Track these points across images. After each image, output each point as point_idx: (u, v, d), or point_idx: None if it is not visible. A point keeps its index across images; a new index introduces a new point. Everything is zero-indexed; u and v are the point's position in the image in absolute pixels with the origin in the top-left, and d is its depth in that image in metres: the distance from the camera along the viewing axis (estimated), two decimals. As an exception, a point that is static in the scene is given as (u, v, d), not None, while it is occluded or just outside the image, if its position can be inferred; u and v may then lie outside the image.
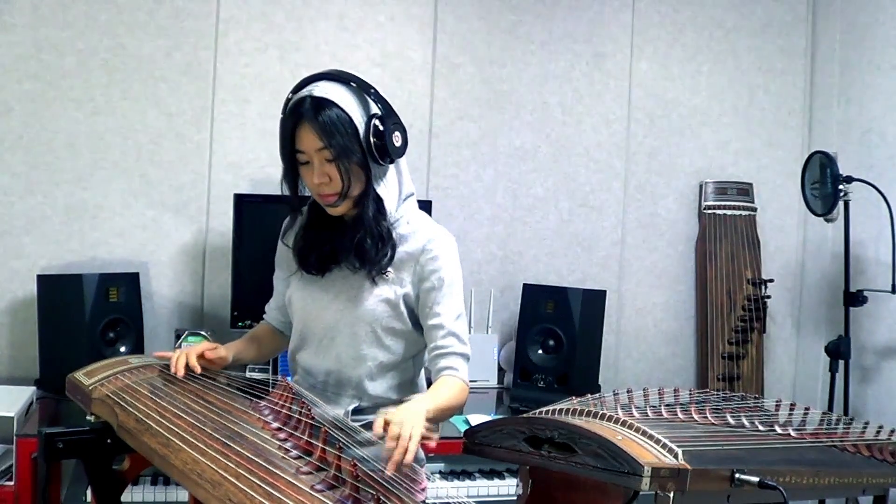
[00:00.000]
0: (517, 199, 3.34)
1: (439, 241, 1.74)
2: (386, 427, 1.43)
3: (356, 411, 1.74)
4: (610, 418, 1.51)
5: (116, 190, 2.91)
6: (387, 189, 1.73)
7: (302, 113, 1.63)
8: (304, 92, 1.65)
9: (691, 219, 3.53)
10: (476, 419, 2.55)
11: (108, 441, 1.58)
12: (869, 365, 3.22)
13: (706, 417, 1.69)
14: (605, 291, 3.17)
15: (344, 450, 1.31)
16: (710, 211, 3.48)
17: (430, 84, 3.23)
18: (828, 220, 3.11)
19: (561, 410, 1.62)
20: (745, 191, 3.52)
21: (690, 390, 1.87)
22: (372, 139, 1.65)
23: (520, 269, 3.34)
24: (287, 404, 1.55)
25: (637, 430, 1.43)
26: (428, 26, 3.22)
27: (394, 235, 1.72)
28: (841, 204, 3.02)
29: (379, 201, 1.71)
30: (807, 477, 1.57)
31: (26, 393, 2.53)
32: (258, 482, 1.20)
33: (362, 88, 1.68)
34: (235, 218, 2.84)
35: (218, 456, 1.28)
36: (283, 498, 1.16)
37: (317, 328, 1.77)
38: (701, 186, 3.51)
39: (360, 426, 1.57)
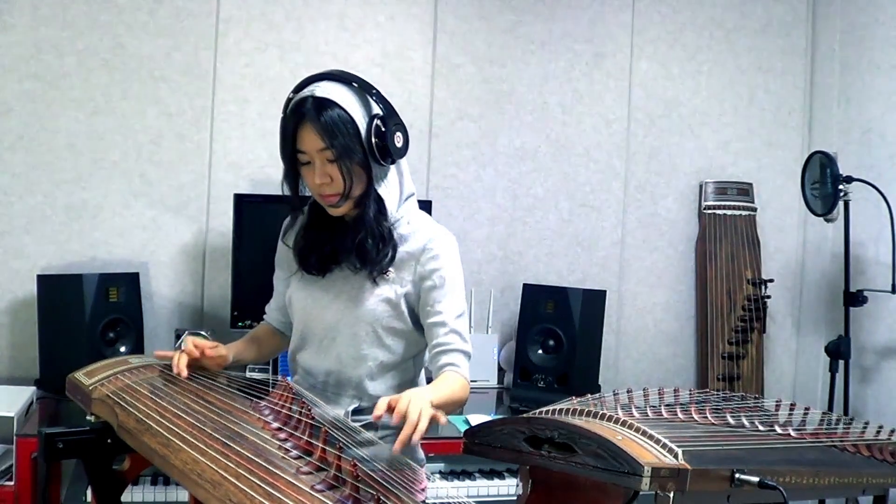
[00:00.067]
0: (517, 199, 3.34)
1: (439, 241, 1.74)
2: (391, 408, 1.44)
3: (356, 411, 1.75)
4: (610, 418, 1.51)
5: (116, 190, 2.91)
6: (388, 189, 1.73)
7: (304, 113, 1.63)
8: (306, 92, 1.65)
9: (691, 219, 3.53)
10: (476, 419, 2.55)
11: (108, 441, 1.58)
12: (869, 365, 3.22)
13: (706, 417, 1.69)
14: (605, 291, 3.17)
15: (344, 450, 1.31)
16: (710, 211, 3.48)
17: (430, 84, 3.23)
18: (828, 220, 3.11)
19: (561, 410, 1.62)
20: (745, 191, 3.52)
21: (690, 390, 1.87)
22: (374, 140, 1.65)
23: (520, 269, 3.34)
24: (287, 404, 1.55)
25: (637, 430, 1.43)
26: (428, 26, 3.22)
27: (394, 235, 1.73)
28: (841, 204, 3.02)
29: (380, 202, 1.71)
30: (807, 477, 1.57)
31: (26, 393, 2.53)
32: (258, 482, 1.20)
33: (364, 89, 1.68)
34: (235, 218, 2.84)
35: (218, 456, 1.28)
36: (283, 498, 1.16)
37: (317, 328, 1.77)
38: (701, 186, 3.51)
39: (361, 426, 1.57)
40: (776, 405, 1.85)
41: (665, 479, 1.31)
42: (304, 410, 1.48)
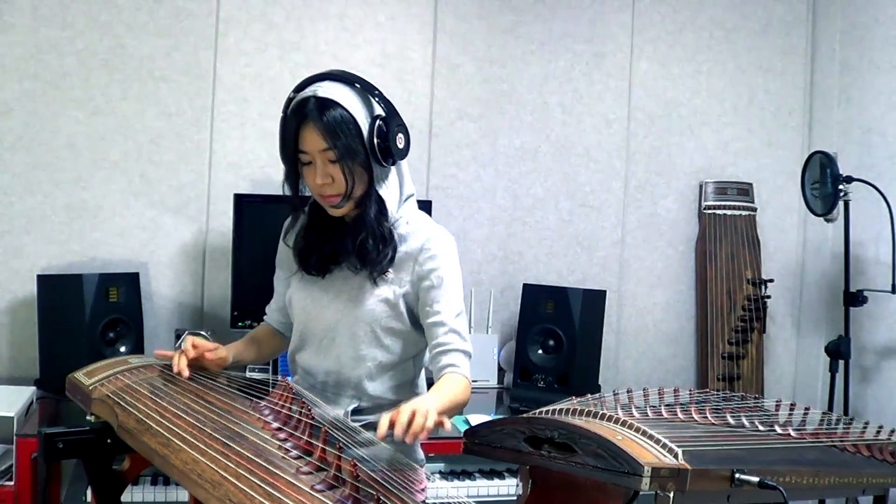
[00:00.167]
0: (517, 199, 3.34)
1: (437, 240, 1.74)
2: (392, 424, 1.42)
3: (355, 412, 1.74)
4: (610, 418, 1.51)
5: (116, 190, 2.91)
6: (388, 190, 1.73)
7: (306, 113, 1.63)
8: (308, 92, 1.65)
9: (691, 219, 3.53)
10: (476, 419, 2.55)
11: (108, 441, 1.58)
12: (869, 365, 3.22)
13: (706, 417, 1.69)
14: (605, 291, 3.17)
15: (344, 450, 1.31)
16: (710, 211, 3.48)
17: (430, 84, 3.23)
18: (828, 220, 3.11)
19: (561, 410, 1.62)
20: (745, 191, 3.52)
21: (690, 390, 1.87)
22: (376, 140, 1.65)
23: (520, 269, 3.34)
24: (287, 404, 1.55)
25: (637, 430, 1.43)
26: (428, 26, 3.22)
27: (394, 236, 1.73)
28: (841, 204, 3.02)
29: (381, 202, 1.71)
30: (807, 477, 1.57)
31: (26, 393, 2.53)
32: (258, 482, 1.20)
33: (366, 90, 1.68)
34: (235, 218, 2.84)
35: (218, 456, 1.28)
36: (283, 498, 1.16)
37: (317, 329, 1.77)
38: (701, 186, 3.51)
39: (360, 426, 1.57)
40: (776, 405, 1.85)
41: (665, 479, 1.31)
42: (304, 410, 1.49)
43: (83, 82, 2.86)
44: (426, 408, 1.44)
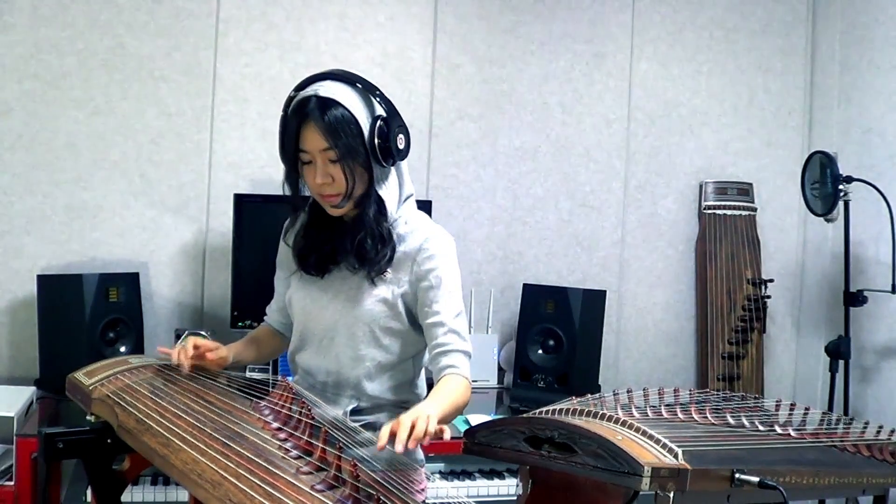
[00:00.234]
0: (517, 199, 3.34)
1: (436, 240, 1.74)
2: (393, 434, 1.41)
3: (354, 412, 1.74)
4: (610, 418, 1.51)
5: (116, 190, 2.91)
6: (388, 190, 1.73)
7: (307, 112, 1.62)
8: (309, 91, 1.65)
9: (691, 219, 3.53)
10: (476, 419, 2.55)
11: (108, 441, 1.58)
12: (869, 365, 3.22)
13: (706, 417, 1.69)
14: (605, 291, 3.17)
15: (344, 450, 1.31)
16: (710, 211, 3.48)
17: (430, 84, 3.23)
18: (828, 220, 3.11)
19: (561, 410, 1.62)
20: (745, 191, 3.52)
21: (690, 390, 1.87)
22: (376, 141, 1.65)
23: (520, 269, 3.34)
24: (287, 404, 1.55)
25: (637, 430, 1.43)
26: (428, 26, 3.22)
27: (393, 236, 1.72)
28: (841, 204, 3.02)
29: (380, 202, 1.71)
30: (807, 477, 1.57)
31: (26, 393, 2.53)
32: (258, 482, 1.20)
33: (368, 90, 1.68)
34: (235, 218, 2.84)
35: (218, 456, 1.28)
36: (283, 498, 1.16)
37: (316, 329, 1.77)
38: (701, 186, 3.51)
39: (359, 426, 1.57)
40: (776, 405, 1.85)
41: (665, 479, 1.31)
42: (304, 410, 1.49)
43: (83, 82, 2.86)
44: (427, 414, 1.44)
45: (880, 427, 1.91)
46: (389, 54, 3.17)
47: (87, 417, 1.62)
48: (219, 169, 3.01)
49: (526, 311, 3.15)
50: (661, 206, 3.49)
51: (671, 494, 1.31)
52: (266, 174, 3.01)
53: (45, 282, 2.67)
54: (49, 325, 2.66)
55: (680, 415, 1.68)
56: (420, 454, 1.84)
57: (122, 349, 2.71)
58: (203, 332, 2.75)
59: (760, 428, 1.71)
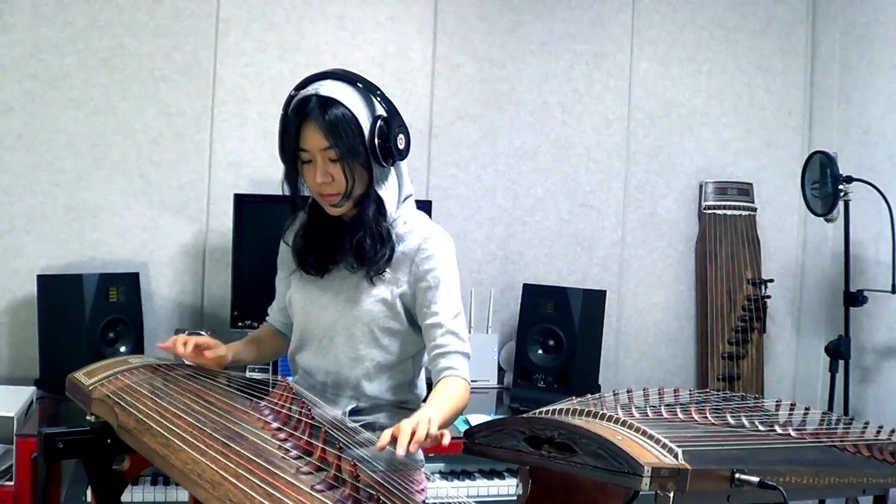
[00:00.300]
0: (517, 199, 3.34)
1: (435, 241, 1.73)
2: (394, 439, 1.41)
3: (354, 412, 1.74)
4: (610, 418, 1.51)
5: (116, 190, 2.91)
6: (387, 190, 1.73)
7: (308, 111, 1.62)
8: (310, 90, 1.65)
9: (691, 219, 3.53)
10: (476, 419, 2.55)
11: (108, 441, 1.58)
12: (869, 365, 3.22)
13: (706, 417, 1.69)
14: (605, 291, 3.17)
15: (344, 450, 1.31)
16: (710, 211, 3.48)
17: (430, 84, 3.23)
18: (828, 220, 3.11)
19: (561, 410, 1.62)
20: (745, 191, 3.52)
21: (690, 390, 1.87)
22: (377, 140, 1.65)
23: (520, 269, 3.34)
24: (287, 404, 1.55)
25: (637, 430, 1.43)
26: (428, 26, 3.22)
27: (392, 236, 1.72)
28: (841, 204, 3.02)
29: (379, 202, 1.71)
30: (807, 477, 1.57)
31: (26, 393, 2.53)
32: (258, 482, 1.20)
33: (368, 89, 1.68)
34: (235, 218, 2.84)
35: (218, 456, 1.28)
36: (283, 498, 1.16)
37: (316, 329, 1.77)
38: (701, 186, 3.51)
39: (359, 426, 1.57)
40: (776, 405, 1.85)
41: (665, 479, 1.31)
42: (303, 410, 1.49)
43: (83, 82, 2.86)
44: (428, 418, 1.44)
45: (880, 427, 1.91)
46: (389, 54, 3.17)
47: (87, 417, 1.62)
48: (219, 169, 3.01)
49: (526, 311, 3.14)
50: (661, 206, 3.49)
51: (671, 494, 1.31)
52: (266, 174, 3.01)
53: (45, 282, 2.67)
54: (49, 325, 2.66)
55: (680, 415, 1.68)
56: (420, 454, 1.84)
57: (122, 349, 2.71)
58: (203, 332, 2.75)
59: (760, 428, 1.71)
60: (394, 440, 1.40)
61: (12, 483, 2.27)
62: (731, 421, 1.70)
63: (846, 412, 3.09)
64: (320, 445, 1.33)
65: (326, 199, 1.69)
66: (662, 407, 1.71)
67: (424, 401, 1.80)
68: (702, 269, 3.49)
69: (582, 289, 3.13)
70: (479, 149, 3.29)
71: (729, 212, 3.49)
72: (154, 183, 2.94)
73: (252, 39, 3.03)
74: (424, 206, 2.43)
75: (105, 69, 2.88)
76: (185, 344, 1.74)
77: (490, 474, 2.69)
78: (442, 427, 1.48)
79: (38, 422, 2.46)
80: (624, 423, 1.47)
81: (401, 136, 1.69)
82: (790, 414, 1.84)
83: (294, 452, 1.34)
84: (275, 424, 1.47)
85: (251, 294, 2.79)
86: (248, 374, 2.10)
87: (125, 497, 1.76)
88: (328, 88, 1.64)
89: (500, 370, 3.26)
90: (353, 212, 1.72)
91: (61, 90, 2.85)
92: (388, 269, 1.72)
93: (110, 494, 1.66)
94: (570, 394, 1.81)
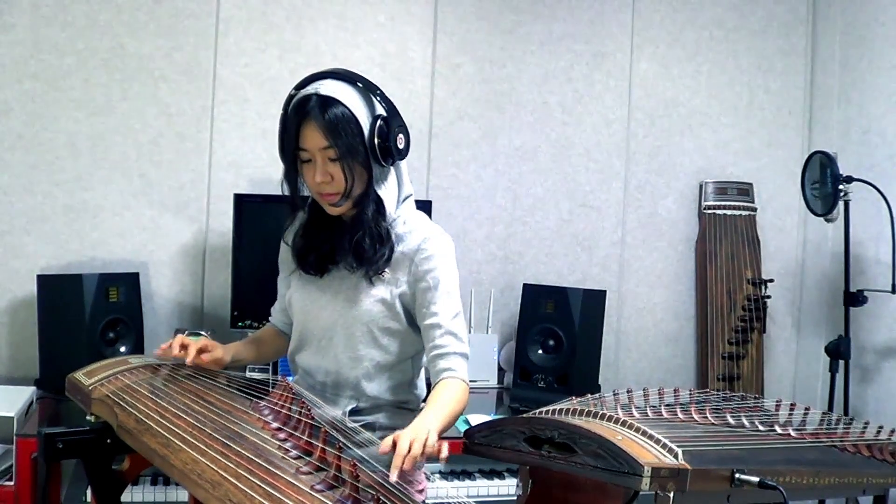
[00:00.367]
0: (517, 199, 3.34)
1: (434, 241, 1.73)
2: (395, 445, 1.41)
3: (354, 412, 1.74)
4: (610, 418, 1.51)
5: (116, 190, 2.91)
6: (387, 190, 1.73)
7: (308, 111, 1.63)
8: (310, 89, 1.65)
9: (691, 219, 3.53)
10: (476, 419, 2.55)
11: (108, 441, 1.58)
12: (869, 365, 3.22)
13: (706, 417, 1.69)
14: (605, 291, 3.16)
15: (344, 450, 1.31)
16: (710, 211, 3.48)
17: (430, 84, 3.23)
18: (828, 220, 3.11)
19: (561, 410, 1.62)
20: (745, 191, 3.52)
21: (690, 390, 1.87)
22: (376, 140, 1.65)
23: (520, 269, 3.34)
24: (287, 404, 1.55)
25: (637, 430, 1.43)
26: (428, 26, 3.22)
27: (392, 236, 1.72)
28: (841, 204, 3.02)
29: (379, 202, 1.71)
30: (807, 477, 1.57)
31: (26, 393, 2.53)
32: (258, 482, 1.20)
33: (368, 89, 1.68)
34: (235, 218, 2.84)
35: (218, 456, 1.28)
36: (282, 498, 1.16)
37: (315, 329, 1.77)
38: (701, 186, 3.51)
39: (359, 426, 1.57)
40: (776, 405, 1.85)
41: (665, 479, 1.31)
42: (303, 410, 1.49)
43: (83, 82, 2.86)
44: (426, 431, 1.43)
45: (880, 427, 1.91)
46: (389, 54, 3.17)
47: (87, 417, 1.62)
48: (219, 169, 3.01)
49: (526, 311, 3.14)
50: (661, 206, 3.49)
51: (671, 494, 1.31)
52: (266, 174, 3.01)
53: (45, 282, 2.67)
54: (49, 325, 2.66)
55: (680, 415, 1.68)
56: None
57: (122, 349, 2.71)
58: (203, 332, 2.76)
59: (760, 428, 1.71)
60: (395, 446, 1.40)
61: (12, 483, 2.27)
62: (731, 421, 1.70)
63: (846, 412, 3.09)
64: (320, 445, 1.33)
65: (326, 198, 1.69)
66: (662, 407, 1.71)
67: (424, 401, 1.81)
68: (702, 269, 3.49)
69: (582, 289, 3.13)
70: (479, 149, 3.29)
71: (729, 212, 3.49)
72: (154, 183, 2.94)
73: (252, 39, 3.03)
74: (424, 206, 2.43)
75: (105, 69, 2.88)
76: (183, 347, 1.74)
77: (490, 474, 2.69)
78: (441, 433, 1.48)
79: (38, 422, 2.46)
80: (624, 423, 1.47)
81: (400, 135, 1.69)
82: (790, 414, 1.84)
83: (294, 452, 1.34)
84: (275, 424, 1.47)
85: (251, 294, 2.79)
86: (248, 374, 2.10)
87: (125, 497, 1.77)
88: (328, 88, 1.64)
89: (500, 370, 3.26)
90: (353, 211, 1.72)
91: (61, 90, 2.85)
92: (387, 270, 1.72)
93: (110, 494, 1.66)
94: (570, 394, 1.81)
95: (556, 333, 3.08)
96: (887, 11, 3.22)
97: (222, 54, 3.00)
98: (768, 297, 3.45)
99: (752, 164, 3.57)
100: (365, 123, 1.65)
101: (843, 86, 3.45)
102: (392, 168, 1.74)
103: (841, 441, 1.78)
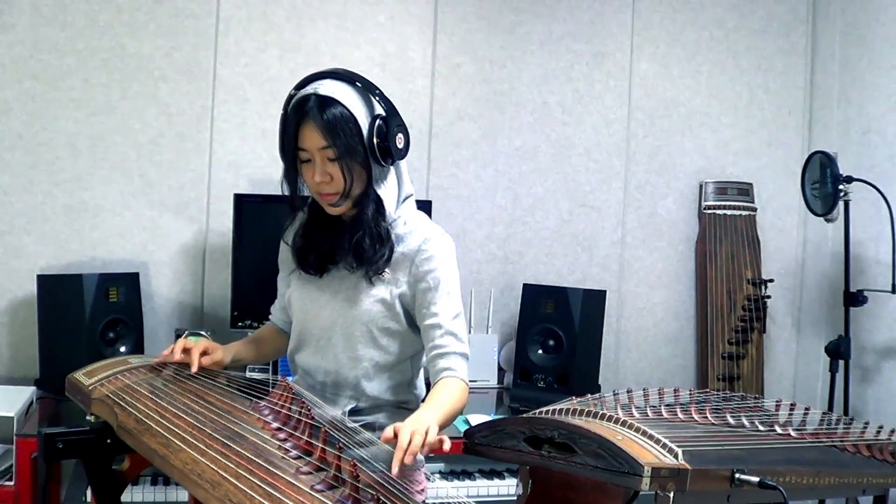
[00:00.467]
0: (517, 199, 3.34)
1: (435, 241, 1.73)
2: (396, 436, 1.41)
3: (354, 412, 1.74)
4: (610, 418, 1.51)
5: (116, 190, 2.91)
6: (387, 190, 1.73)
7: (307, 111, 1.63)
8: (309, 89, 1.65)
9: (691, 219, 3.53)
10: (476, 419, 2.55)
11: (108, 441, 1.58)
12: (869, 365, 3.22)
13: (706, 417, 1.69)
14: (605, 291, 3.16)
15: (344, 450, 1.31)
16: (710, 211, 3.48)
17: (430, 84, 3.23)
18: (828, 220, 3.11)
19: (561, 410, 1.62)
20: (745, 191, 3.52)
21: (690, 390, 1.87)
22: (375, 140, 1.65)
23: (520, 269, 3.34)
24: (287, 404, 1.55)
25: (637, 430, 1.43)
26: (428, 26, 3.22)
27: (391, 236, 1.72)
28: (841, 204, 3.02)
29: (379, 202, 1.71)
30: (807, 477, 1.57)
31: (26, 393, 2.53)
32: (258, 482, 1.20)
33: (367, 89, 1.68)
34: (235, 218, 2.84)
35: (218, 456, 1.28)
36: (282, 498, 1.16)
37: (315, 328, 1.77)
38: (701, 186, 3.51)
39: (360, 426, 1.57)
40: (776, 405, 1.85)
41: (665, 479, 1.31)
42: (303, 410, 1.48)
43: (83, 82, 2.86)
44: (427, 425, 1.44)
45: (880, 427, 1.91)
46: (389, 54, 3.17)
47: (87, 417, 1.61)
48: (219, 169, 3.01)
49: (526, 311, 3.14)
50: (661, 206, 3.49)
51: (671, 494, 1.31)
52: (266, 174, 3.01)
53: (45, 282, 2.67)
54: (49, 325, 2.66)
55: (680, 415, 1.68)
56: (420, 455, 1.84)
57: (122, 349, 2.71)
58: (203, 333, 2.76)
59: (760, 428, 1.71)
60: (396, 437, 1.40)
61: (12, 483, 2.27)
62: (731, 421, 1.70)
63: (846, 412, 3.09)
64: (320, 445, 1.33)
65: (325, 198, 1.69)
66: (662, 407, 1.71)
67: (423, 401, 1.80)
68: (702, 269, 3.49)
69: (582, 289, 3.13)
70: (479, 149, 3.29)
71: (729, 212, 3.49)
72: (154, 183, 2.94)
73: (252, 39, 3.03)
74: (424, 206, 2.43)
75: (105, 69, 2.88)
76: (185, 351, 1.74)
77: (490, 474, 2.69)
78: (440, 428, 1.48)
79: (38, 422, 2.46)
80: (624, 423, 1.47)
81: (400, 135, 1.69)
82: (790, 414, 1.84)
83: (294, 452, 1.34)
84: (275, 424, 1.47)
85: (251, 294, 2.79)
86: (248, 374, 2.10)
87: (125, 497, 1.77)
88: (327, 88, 1.64)
89: (500, 370, 3.26)
90: (353, 211, 1.72)
91: (61, 90, 2.85)
92: (387, 270, 1.72)
93: (110, 494, 1.66)
94: (570, 394, 1.81)
95: (556, 333, 3.08)
96: (887, 11, 3.22)
97: (222, 54, 3.00)
98: (768, 297, 3.45)
99: (752, 164, 3.57)
100: (364, 123, 1.65)
101: (843, 86, 3.45)
102: (392, 168, 1.74)
103: (841, 441, 1.78)
